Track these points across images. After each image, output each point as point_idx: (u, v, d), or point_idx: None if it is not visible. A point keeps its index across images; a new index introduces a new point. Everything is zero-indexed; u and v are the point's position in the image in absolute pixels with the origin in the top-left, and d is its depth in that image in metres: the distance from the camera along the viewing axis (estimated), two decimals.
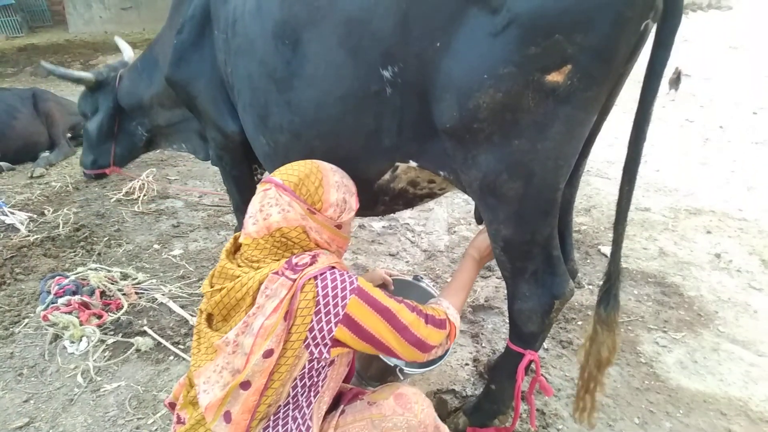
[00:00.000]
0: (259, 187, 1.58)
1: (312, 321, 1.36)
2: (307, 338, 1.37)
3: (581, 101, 1.36)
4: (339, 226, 1.62)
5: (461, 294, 1.75)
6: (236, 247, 1.62)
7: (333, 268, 1.45)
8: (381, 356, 1.95)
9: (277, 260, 1.48)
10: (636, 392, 2.42)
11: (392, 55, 1.53)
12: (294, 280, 1.37)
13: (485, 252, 1.83)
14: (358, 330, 1.39)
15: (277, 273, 1.39)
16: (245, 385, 1.34)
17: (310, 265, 1.42)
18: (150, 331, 2.76)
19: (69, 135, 5.57)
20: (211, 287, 1.49)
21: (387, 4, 1.49)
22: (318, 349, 1.38)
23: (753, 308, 3.04)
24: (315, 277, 1.39)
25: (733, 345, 2.75)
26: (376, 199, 1.96)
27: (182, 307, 2.98)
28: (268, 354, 1.33)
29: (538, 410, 2.27)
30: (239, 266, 1.51)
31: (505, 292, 1.84)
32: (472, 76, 1.38)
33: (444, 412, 2.24)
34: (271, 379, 1.36)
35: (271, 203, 1.49)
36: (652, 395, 2.41)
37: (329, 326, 1.37)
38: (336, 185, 1.59)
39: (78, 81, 3.06)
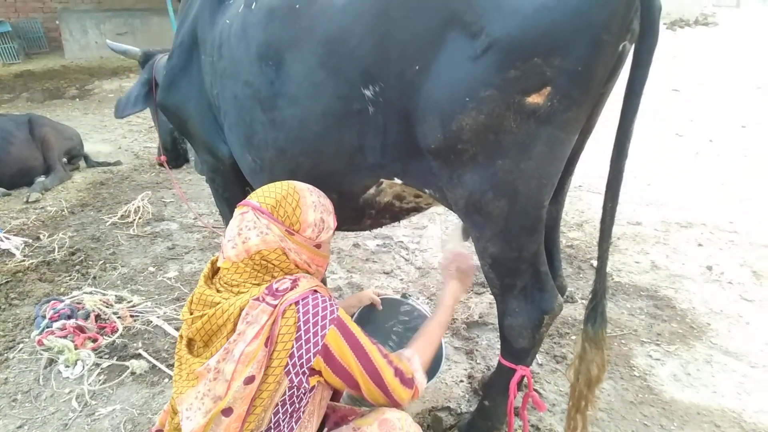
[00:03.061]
0: (237, 211, 1.59)
1: (293, 347, 1.37)
2: (287, 365, 1.38)
3: (562, 122, 1.40)
4: (318, 246, 1.63)
5: (430, 348, 1.68)
6: (214, 272, 1.62)
7: (315, 292, 1.46)
8: None
9: (258, 284, 1.49)
10: (630, 406, 2.43)
11: (372, 74, 1.56)
12: (275, 306, 1.38)
13: (462, 296, 1.83)
14: (333, 363, 1.40)
15: (257, 299, 1.40)
16: (227, 411, 1.34)
17: (291, 289, 1.43)
18: (145, 354, 2.76)
19: (64, 160, 5.60)
20: (191, 314, 1.49)
21: (365, 25, 1.53)
22: (298, 378, 1.39)
23: (745, 320, 3.06)
24: (296, 303, 1.40)
25: (726, 357, 2.76)
26: (362, 213, 1.99)
27: (177, 329, 2.98)
28: (249, 380, 1.33)
29: (533, 426, 2.28)
30: (218, 291, 1.51)
31: None
32: (454, 98, 1.41)
33: (439, 429, 2.24)
34: (253, 405, 1.37)
35: (249, 226, 1.51)
36: (646, 408, 2.41)
37: (308, 355, 1.38)
38: (313, 205, 1.61)
39: (124, 53, 3.26)
